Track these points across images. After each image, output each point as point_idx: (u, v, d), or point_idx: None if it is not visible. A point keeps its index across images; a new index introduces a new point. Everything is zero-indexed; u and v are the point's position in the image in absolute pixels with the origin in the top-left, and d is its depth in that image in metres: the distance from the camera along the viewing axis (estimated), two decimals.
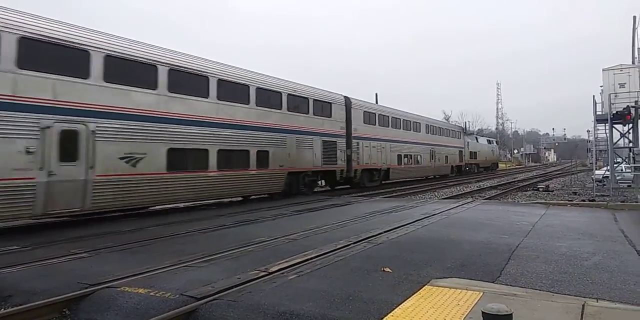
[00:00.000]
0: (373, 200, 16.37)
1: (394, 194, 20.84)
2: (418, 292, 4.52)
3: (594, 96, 19.64)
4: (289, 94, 16.13)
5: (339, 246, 6.88)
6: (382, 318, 3.82)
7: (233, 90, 13.72)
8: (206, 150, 12.61)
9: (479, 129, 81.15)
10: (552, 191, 21.06)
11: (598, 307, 4.12)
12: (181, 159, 11.85)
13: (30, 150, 8.53)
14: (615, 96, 18.16)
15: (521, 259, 6.11)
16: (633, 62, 17.80)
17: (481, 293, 4.45)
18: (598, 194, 17.62)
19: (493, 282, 4.97)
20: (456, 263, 5.88)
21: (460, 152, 38.64)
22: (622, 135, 20.14)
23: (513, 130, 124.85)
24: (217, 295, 4.39)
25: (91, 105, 9.81)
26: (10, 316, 4.11)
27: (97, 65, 9.96)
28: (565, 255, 6.39)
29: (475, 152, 45.53)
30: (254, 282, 4.90)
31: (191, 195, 12.36)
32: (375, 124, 23.34)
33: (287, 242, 7.41)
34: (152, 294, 4.50)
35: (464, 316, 3.83)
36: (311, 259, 6.03)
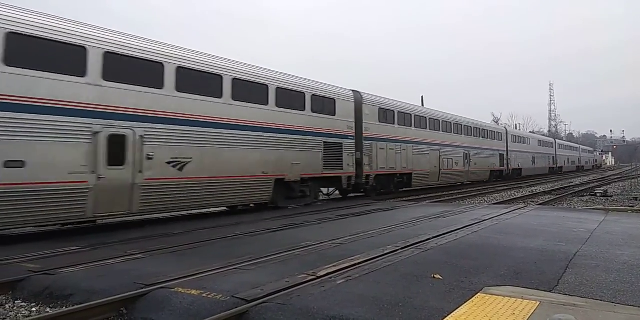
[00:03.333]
0: (420, 205, 16.10)
1: (442, 199, 20.41)
2: (470, 300, 4.39)
3: None
4: (277, 87, 13.89)
5: (386, 251, 6.80)
6: None
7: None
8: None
9: (530, 132, 78.50)
10: (611, 197, 20.01)
11: None
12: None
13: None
14: None
15: (580, 268, 5.82)
16: None
17: (538, 302, 4.27)
18: None
19: (550, 291, 4.76)
20: (510, 271, 5.68)
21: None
22: None
23: (567, 132, 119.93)
24: (267, 298, 4.44)
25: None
26: (72, 314, 4.32)
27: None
28: (628, 264, 6.04)
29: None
30: (302, 285, 4.92)
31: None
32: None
33: (334, 247, 7.40)
34: (204, 295, 4.61)
35: None
36: (359, 263, 6.00)
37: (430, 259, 6.44)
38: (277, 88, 13.84)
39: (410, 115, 22.32)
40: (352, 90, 18.32)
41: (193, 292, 4.71)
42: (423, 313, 4.04)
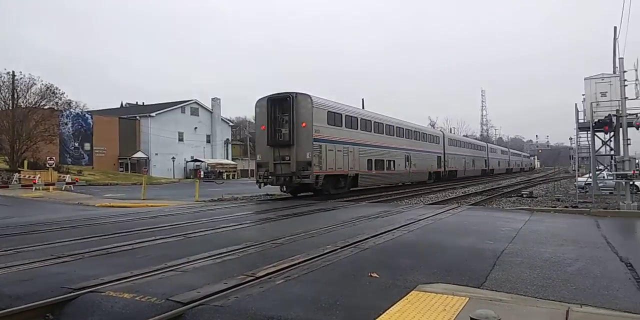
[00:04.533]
0: (360, 206, 16.41)
1: (381, 199, 20.91)
2: (405, 298, 4.54)
3: (576, 104, 20.02)
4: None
5: (326, 251, 6.88)
6: None
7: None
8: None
9: (464, 135, 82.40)
10: (536, 197, 21.33)
11: (582, 312, 4.18)
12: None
13: None
14: (597, 105, 18.50)
15: (506, 265, 6.17)
16: (614, 72, 18.16)
17: (467, 298, 4.48)
18: (581, 200, 17.89)
19: (479, 288, 5.02)
20: (442, 268, 5.92)
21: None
22: (604, 143, 20.52)
23: (497, 136, 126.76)
24: (203, 300, 4.35)
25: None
26: None
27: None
28: (549, 261, 6.47)
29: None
30: (240, 287, 4.87)
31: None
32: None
33: (274, 247, 7.39)
34: (137, 298, 4.44)
35: None
36: (299, 263, 6.02)
37: (368, 258, 6.59)
38: None
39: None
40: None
41: (125, 295, 4.53)
42: (359, 311, 4.13)
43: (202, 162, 58.21)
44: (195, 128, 60.76)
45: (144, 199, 20.45)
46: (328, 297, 4.55)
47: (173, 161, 54.40)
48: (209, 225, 10.22)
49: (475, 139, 77.45)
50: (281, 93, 19.91)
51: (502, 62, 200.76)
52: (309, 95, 19.30)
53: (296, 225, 9.96)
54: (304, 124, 18.99)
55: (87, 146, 50.54)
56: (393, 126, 28.05)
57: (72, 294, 4.61)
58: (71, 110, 47.72)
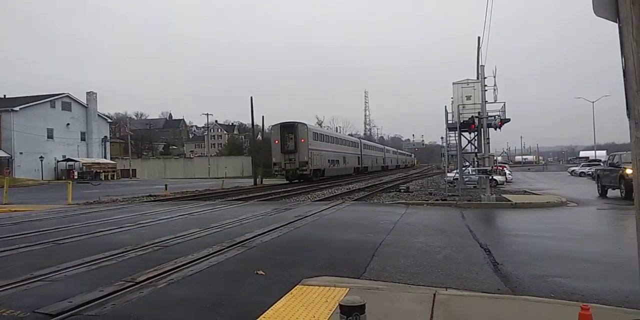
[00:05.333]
0: (248, 204, 16.35)
1: (269, 197, 21.04)
2: (290, 292, 4.67)
3: (445, 106, 21.91)
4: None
5: (212, 251, 6.78)
6: None
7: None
8: None
9: (349, 134, 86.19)
10: (412, 192, 23.03)
11: (447, 295, 4.65)
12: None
13: None
14: (463, 107, 20.42)
15: (383, 255, 6.62)
16: (477, 78, 20.19)
17: (347, 289, 4.74)
18: (449, 194, 19.70)
19: (359, 278, 5.33)
20: (326, 262, 6.18)
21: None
22: (469, 141, 22.74)
23: (379, 135, 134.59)
24: (75, 311, 4.05)
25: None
26: None
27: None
28: (421, 250, 7.08)
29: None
30: (118, 293, 4.61)
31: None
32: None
33: (158, 250, 7.10)
34: None
35: (332, 312, 4.05)
36: (182, 265, 5.86)
37: (255, 255, 6.64)
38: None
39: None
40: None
41: None
42: (245, 309, 4.16)
43: (76, 161, 53.30)
44: (68, 124, 55.40)
45: (6, 204, 18.25)
46: (213, 297, 4.52)
47: (41, 161, 49.06)
48: (82, 230, 9.46)
49: (359, 137, 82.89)
50: (288, 122, 38.03)
51: (387, 65, 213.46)
52: (305, 124, 38.41)
53: (181, 226, 9.64)
54: (302, 140, 36.77)
55: None
56: (340, 138, 50.63)
57: None
58: None
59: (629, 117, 3.15)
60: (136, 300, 4.40)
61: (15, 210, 15.47)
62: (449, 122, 21.40)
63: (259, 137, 63.39)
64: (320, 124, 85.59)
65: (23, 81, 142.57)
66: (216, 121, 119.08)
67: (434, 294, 4.62)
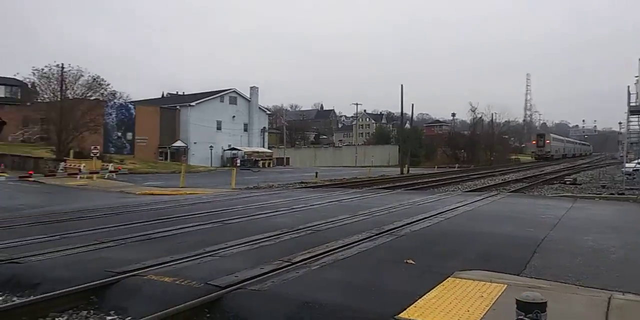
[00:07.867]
0: (395, 193, 16.28)
1: (416, 187, 20.69)
2: (441, 284, 4.49)
3: (628, 87, 19.10)
4: None
5: (361, 238, 6.87)
6: (405, 309, 3.81)
7: None
8: None
9: (505, 121, 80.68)
10: (580, 184, 20.60)
11: (625, 300, 4.04)
12: None
13: None
14: None
15: (546, 252, 6.00)
16: None
17: (505, 285, 4.39)
18: (627, 187, 17.16)
19: (518, 275, 4.91)
20: (480, 255, 5.82)
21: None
22: None
23: (541, 122, 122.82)
24: (240, 285, 4.44)
25: None
26: (39, 303, 4.23)
27: None
28: (592, 249, 6.26)
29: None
30: (277, 272, 4.93)
31: None
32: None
33: (310, 234, 7.44)
34: (177, 282, 4.58)
35: (488, 308, 3.79)
36: (334, 250, 6.05)
37: (404, 244, 6.55)
38: None
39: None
40: None
41: (166, 279, 4.67)
42: (395, 296, 4.11)
43: (239, 150, 59.01)
44: (233, 117, 61.50)
45: (182, 187, 20.98)
46: (363, 282, 4.56)
47: (211, 150, 55.41)
48: (245, 212, 10.39)
49: (517, 124, 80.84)
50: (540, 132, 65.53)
51: (550, 49, 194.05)
52: (550, 135, 64.89)
53: (331, 212, 9.98)
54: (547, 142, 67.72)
55: (129, 136, 52.01)
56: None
57: (115, 277, 4.79)
58: (115, 100, 49.18)
59: None
60: (292, 279, 4.66)
61: (190, 193, 17.70)
62: (632, 104, 18.56)
63: (407, 125, 62.66)
64: (473, 111, 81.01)
65: (197, 77, 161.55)
66: (365, 110, 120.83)
67: (609, 298, 4.04)
